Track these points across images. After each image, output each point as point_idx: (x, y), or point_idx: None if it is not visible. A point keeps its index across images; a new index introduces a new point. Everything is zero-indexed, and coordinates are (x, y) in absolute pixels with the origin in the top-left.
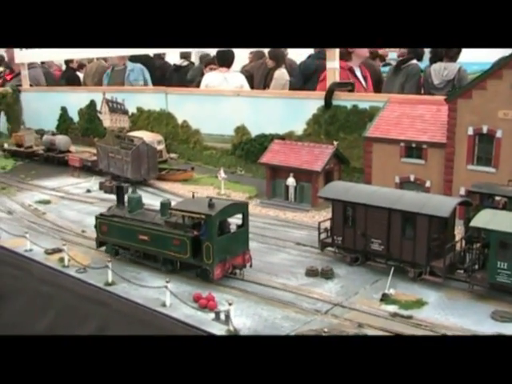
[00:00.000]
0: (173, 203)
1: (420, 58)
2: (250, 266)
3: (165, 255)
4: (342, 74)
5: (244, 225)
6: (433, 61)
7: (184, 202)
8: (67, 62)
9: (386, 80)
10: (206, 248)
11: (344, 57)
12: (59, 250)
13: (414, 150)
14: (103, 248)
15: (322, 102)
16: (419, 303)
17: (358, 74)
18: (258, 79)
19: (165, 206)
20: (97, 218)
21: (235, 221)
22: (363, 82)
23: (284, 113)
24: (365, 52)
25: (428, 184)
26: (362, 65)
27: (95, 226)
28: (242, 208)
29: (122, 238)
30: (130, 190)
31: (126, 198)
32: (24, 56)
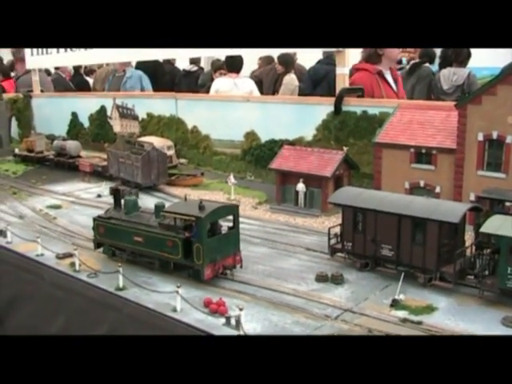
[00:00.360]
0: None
1: (432, 61)
2: (241, 266)
3: (158, 256)
4: (368, 78)
5: (235, 227)
6: (442, 66)
7: (176, 205)
8: (76, 68)
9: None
10: (196, 249)
11: (372, 59)
12: (70, 255)
13: (423, 155)
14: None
15: (331, 108)
16: (429, 309)
17: (389, 77)
18: (267, 84)
19: (159, 208)
20: (94, 219)
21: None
22: (394, 87)
23: (294, 118)
24: (396, 53)
25: (438, 190)
26: (392, 68)
27: (93, 228)
28: (232, 210)
29: (118, 239)
30: (126, 192)
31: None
32: (35, 61)
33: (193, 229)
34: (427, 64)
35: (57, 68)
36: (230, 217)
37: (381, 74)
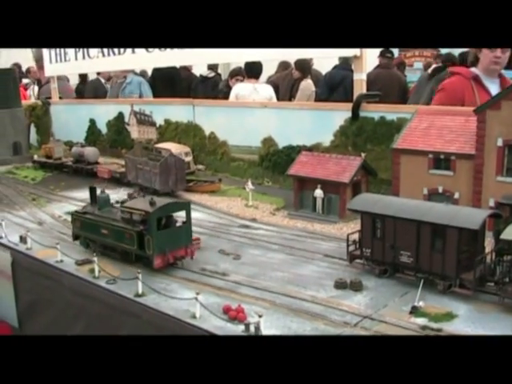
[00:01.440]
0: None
1: (454, 64)
2: (191, 258)
3: (120, 247)
4: (461, 83)
5: (187, 222)
6: None
7: (134, 201)
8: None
9: (417, 86)
10: (147, 241)
11: (465, 62)
12: (89, 261)
13: (442, 161)
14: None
15: (349, 114)
16: (449, 316)
17: (490, 84)
18: (283, 90)
19: (122, 203)
20: (72, 214)
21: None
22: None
23: (311, 124)
24: (489, 58)
25: (457, 196)
26: (502, 74)
27: (71, 222)
28: (184, 206)
29: (90, 232)
30: (99, 190)
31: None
32: (54, 69)
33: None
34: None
35: (98, 73)
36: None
37: (477, 80)
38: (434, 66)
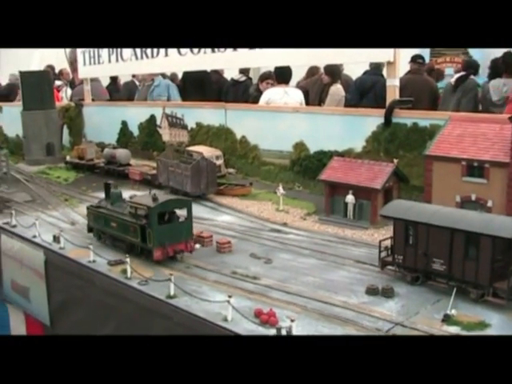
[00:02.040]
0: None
1: (476, 73)
2: (190, 252)
3: (126, 239)
4: None
5: (188, 218)
6: (491, 77)
7: (139, 197)
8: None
9: (443, 97)
10: (148, 234)
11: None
12: (122, 262)
13: (475, 168)
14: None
15: (381, 120)
16: (482, 325)
17: None
18: (313, 95)
19: (130, 199)
20: (87, 208)
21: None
22: None
23: (342, 129)
24: None
25: (490, 204)
26: None
27: (87, 215)
28: (185, 203)
29: (101, 224)
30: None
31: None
32: (87, 71)
33: None
34: (472, 76)
35: (133, 76)
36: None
37: None
38: (456, 75)
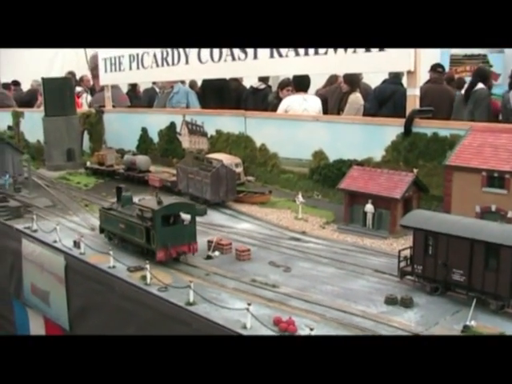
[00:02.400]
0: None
1: (485, 81)
2: (193, 253)
3: (132, 240)
4: None
5: (192, 221)
6: None
7: (146, 200)
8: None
9: (455, 107)
10: (152, 235)
11: None
12: (141, 268)
13: (496, 179)
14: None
15: (401, 129)
16: None
17: None
18: (332, 103)
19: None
20: (100, 210)
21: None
22: None
23: (362, 138)
24: None
25: (510, 215)
26: None
27: (99, 217)
28: (189, 207)
29: (111, 226)
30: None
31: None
32: (108, 78)
33: None
34: (481, 85)
35: (153, 83)
36: None
37: None
38: (466, 86)
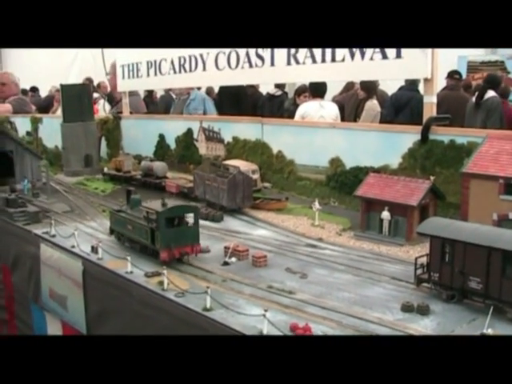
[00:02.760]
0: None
1: (496, 88)
2: (196, 254)
3: (139, 241)
4: None
5: (195, 223)
6: None
7: (152, 202)
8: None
9: (467, 115)
10: (156, 236)
11: None
12: (158, 274)
13: None
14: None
15: (417, 136)
16: None
17: None
18: (348, 110)
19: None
20: (110, 212)
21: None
22: None
23: (379, 146)
24: None
25: None
26: None
27: (109, 218)
28: (193, 210)
29: (120, 227)
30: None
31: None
32: (126, 84)
33: None
34: (493, 93)
35: (170, 89)
36: None
37: None
38: (476, 92)
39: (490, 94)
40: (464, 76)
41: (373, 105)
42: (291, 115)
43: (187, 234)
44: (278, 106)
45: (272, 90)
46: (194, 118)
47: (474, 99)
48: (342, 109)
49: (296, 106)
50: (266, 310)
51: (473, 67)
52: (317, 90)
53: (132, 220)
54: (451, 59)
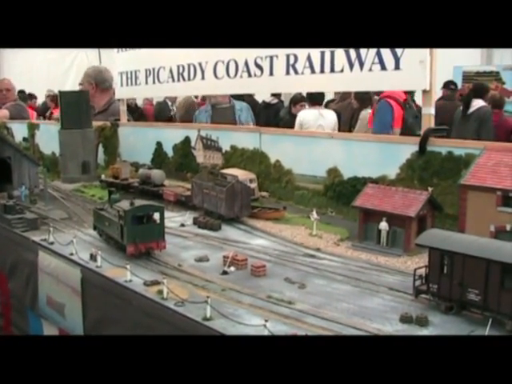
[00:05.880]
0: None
1: (483, 97)
2: (160, 250)
3: (113, 236)
4: None
5: (160, 221)
6: None
7: (123, 202)
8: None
9: (456, 126)
10: (123, 232)
11: None
12: (158, 283)
13: (511, 199)
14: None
15: (415, 147)
16: None
17: None
18: (344, 119)
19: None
20: (93, 210)
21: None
22: None
23: (377, 156)
24: None
25: None
26: None
27: (93, 215)
28: (158, 209)
29: (100, 224)
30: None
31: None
32: (124, 92)
33: None
34: (482, 102)
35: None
36: None
37: None
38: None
39: (479, 103)
40: (459, 86)
41: (367, 114)
42: (286, 124)
43: (153, 230)
44: (274, 114)
45: (268, 98)
46: (191, 126)
47: (460, 108)
48: (338, 118)
49: (291, 115)
50: (266, 320)
51: (468, 77)
52: (315, 98)
53: (108, 217)
54: (447, 69)
